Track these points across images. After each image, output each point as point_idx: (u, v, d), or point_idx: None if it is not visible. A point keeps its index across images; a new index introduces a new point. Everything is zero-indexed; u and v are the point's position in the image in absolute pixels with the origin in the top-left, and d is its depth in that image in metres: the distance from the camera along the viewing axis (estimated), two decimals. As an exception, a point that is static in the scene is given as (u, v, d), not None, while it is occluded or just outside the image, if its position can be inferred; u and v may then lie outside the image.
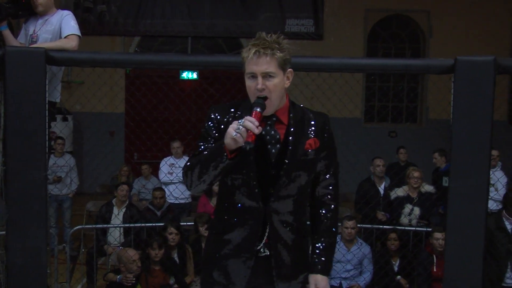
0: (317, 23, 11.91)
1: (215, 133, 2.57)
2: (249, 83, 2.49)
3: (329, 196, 2.67)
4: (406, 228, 6.31)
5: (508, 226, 5.41)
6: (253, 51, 2.42)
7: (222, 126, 2.55)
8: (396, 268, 6.11)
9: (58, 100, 4.41)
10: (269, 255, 2.57)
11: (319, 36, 11.93)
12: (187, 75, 11.97)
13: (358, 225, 6.26)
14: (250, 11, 11.86)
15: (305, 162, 2.56)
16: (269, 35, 2.45)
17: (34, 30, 4.32)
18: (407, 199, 6.71)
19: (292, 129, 2.54)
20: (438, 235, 5.66)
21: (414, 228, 6.31)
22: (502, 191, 6.38)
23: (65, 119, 10.58)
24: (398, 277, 6.04)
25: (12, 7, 4.11)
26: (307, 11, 11.88)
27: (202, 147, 2.55)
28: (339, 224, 6.22)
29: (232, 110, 2.60)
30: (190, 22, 11.91)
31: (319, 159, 2.61)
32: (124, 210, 7.02)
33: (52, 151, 8.50)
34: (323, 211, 2.66)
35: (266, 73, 2.43)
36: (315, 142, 2.57)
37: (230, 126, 2.33)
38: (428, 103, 11.96)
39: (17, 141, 3.15)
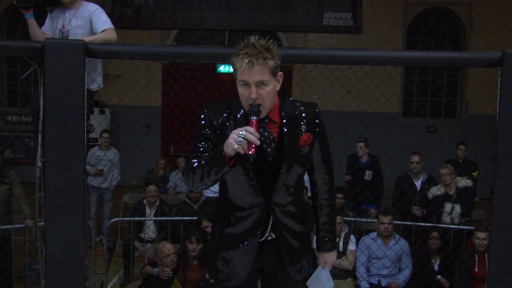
0: (355, 17, 11.77)
1: (210, 133, 2.63)
2: (242, 90, 2.53)
3: (326, 185, 2.86)
4: (449, 226, 6.15)
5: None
6: (246, 61, 2.43)
7: (215, 124, 2.64)
8: (436, 267, 5.99)
9: (95, 89, 4.43)
10: (275, 238, 2.75)
11: (358, 30, 11.80)
12: (224, 68, 11.91)
13: (399, 222, 6.15)
14: (288, 4, 11.78)
15: (301, 157, 2.68)
16: (257, 37, 2.47)
17: (63, 25, 4.31)
18: (445, 197, 6.54)
19: (285, 128, 2.64)
20: (481, 234, 5.53)
21: (456, 227, 6.16)
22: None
23: (102, 112, 10.68)
24: (439, 276, 5.91)
25: None
26: (345, 4, 11.75)
27: (201, 148, 2.62)
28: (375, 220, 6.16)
29: (225, 111, 2.65)
30: (228, 15, 11.89)
31: (313, 151, 2.75)
32: (155, 210, 7.03)
33: (96, 144, 8.56)
34: (322, 196, 2.88)
35: (259, 82, 2.47)
36: (309, 137, 2.68)
37: (230, 137, 2.37)
38: (468, 98, 11.71)
39: (55, 133, 3.15)
